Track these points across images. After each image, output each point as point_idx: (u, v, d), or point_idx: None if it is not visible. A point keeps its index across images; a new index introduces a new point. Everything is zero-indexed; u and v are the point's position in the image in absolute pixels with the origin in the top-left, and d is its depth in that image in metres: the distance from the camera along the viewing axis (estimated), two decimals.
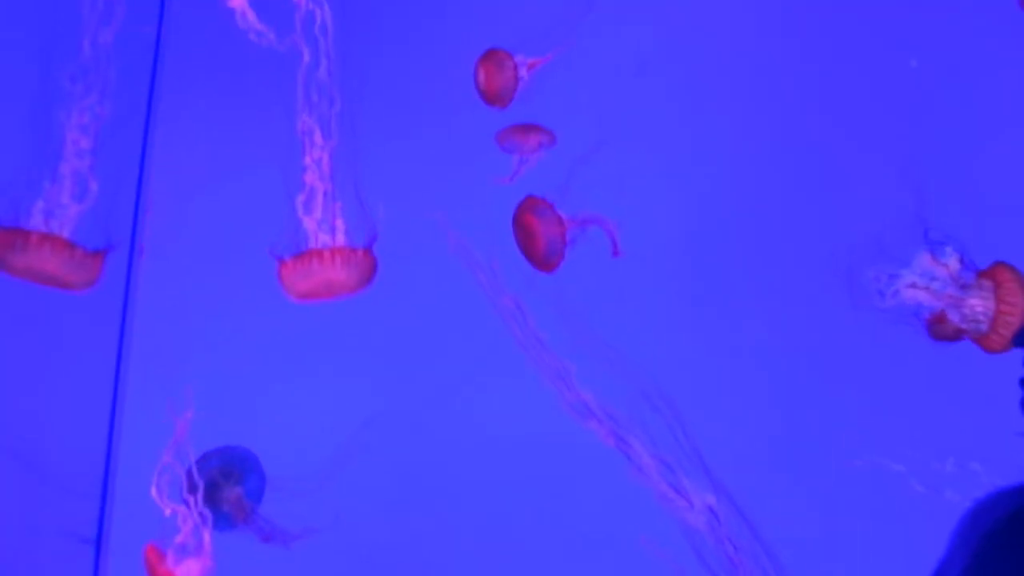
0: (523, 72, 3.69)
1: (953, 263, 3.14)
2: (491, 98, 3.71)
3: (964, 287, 3.12)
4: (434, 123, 3.79)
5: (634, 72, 3.73)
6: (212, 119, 3.81)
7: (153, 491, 3.22)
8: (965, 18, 3.63)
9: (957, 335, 3.15)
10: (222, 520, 3.25)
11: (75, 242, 3.25)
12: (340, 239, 3.44)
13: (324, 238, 3.44)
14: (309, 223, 3.46)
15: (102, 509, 3.44)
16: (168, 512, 3.21)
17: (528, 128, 3.74)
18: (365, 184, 3.55)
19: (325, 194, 3.48)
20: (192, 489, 3.20)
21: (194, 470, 3.21)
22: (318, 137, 3.56)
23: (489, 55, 3.71)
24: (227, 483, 3.27)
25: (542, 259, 3.50)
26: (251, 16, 3.71)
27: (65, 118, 3.45)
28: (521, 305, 3.53)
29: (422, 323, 3.64)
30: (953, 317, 3.12)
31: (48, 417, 3.41)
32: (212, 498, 3.23)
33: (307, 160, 3.53)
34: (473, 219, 3.64)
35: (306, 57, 3.65)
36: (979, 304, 3.10)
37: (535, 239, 3.49)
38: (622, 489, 3.36)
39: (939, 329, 3.17)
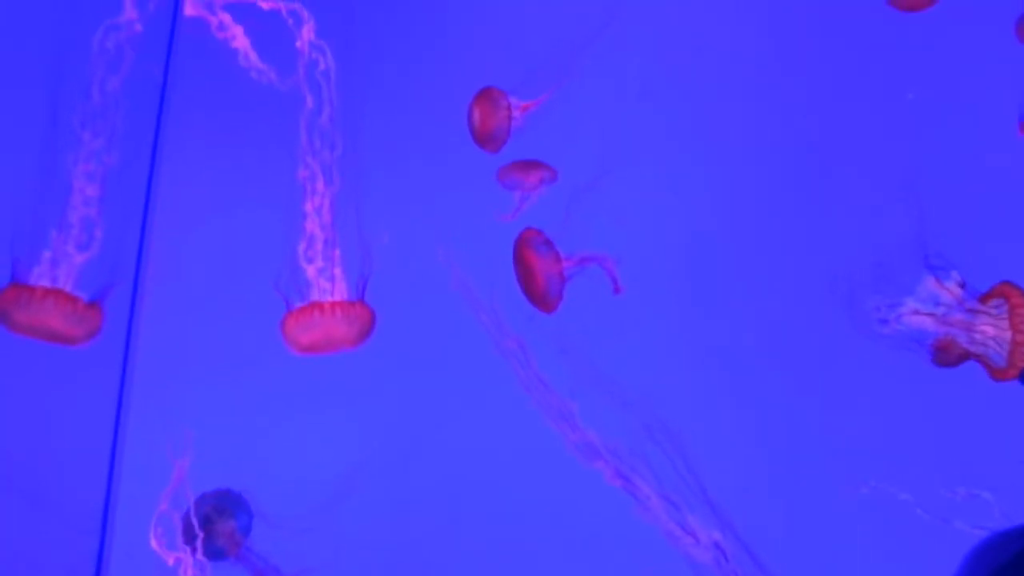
0: (516, 113, 3.70)
1: (957, 287, 3.11)
2: (485, 139, 3.70)
3: (972, 311, 3.08)
4: (436, 164, 3.80)
5: (631, 106, 3.73)
6: (217, 167, 3.82)
7: (152, 539, 3.24)
8: (958, 52, 3.63)
9: (961, 360, 3.11)
10: (214, 554, 3.29)
11: (77, 295, 3.27)
12: (340, 287, 3.44)
13: (324, 285, 3.44)
14: (310, 271, 3.47)
15: (100, 554, 3.45)
16: (171, 562, 3.23)
17: (529, 164, 3.73)
18: (367, 228, 3.57)
19: (326, 242, 3.49)
20: (191, 538, 3.23)
21: (192, 514, 3.24)
22: (320, 184, 3.58)
23: (483, 94, 3.71)
24: (220, 518, 3.30)
25: (541, 296, 3.48)
26: (254, 58, 3.74)
27: (72, 166, 3.49)
28: (524, 346, 3.52)
29: (425, 365, 3.62)
30: (963, 342, 3.08)
31: (48, 463, 3.41)
32: (206, 532, 3.27)
33: (308, 207, 3.54)
34: (476, 257, 3.64)
35: (309, 103, 3.68)
36: (990, 329, 3.06)
37: (534, 275, 3.49)
38: (628, 528, 3.33)
39: (944, 356, 3.14)
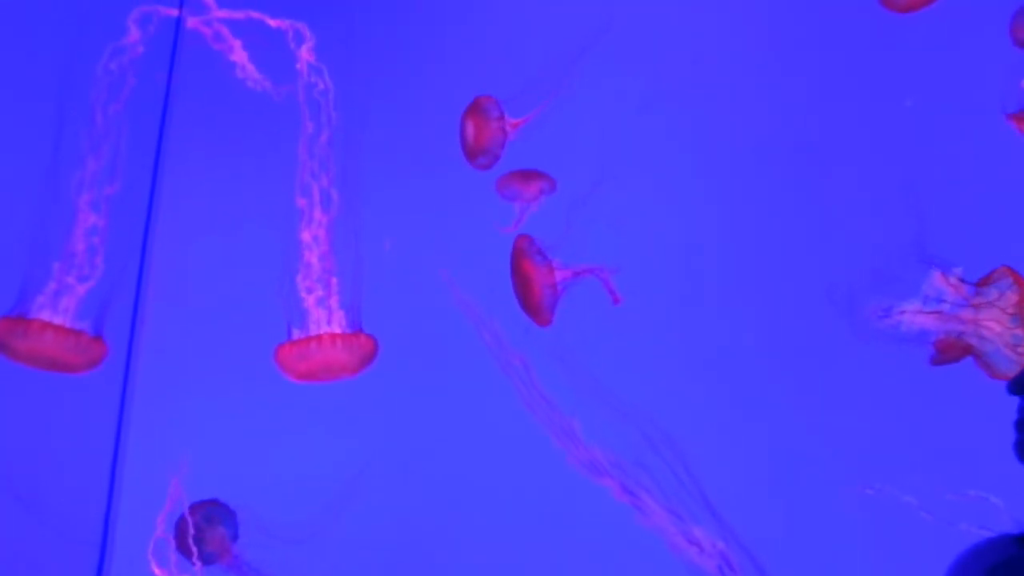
0: (509, 127, 3.68)
1: (959, 282, 3.08)
2: (478, 153, 3.69)
3: (976, 306, 3.05)
4: (435, 180, 3.77)
5: (627, 115, 3.71)
6: (216, 194, 3.81)
7: (152, 565, 3.26)
8: (953, 54, 3.60)
9: (962, 356, 3.09)
10: (206, 559, 3.34)
11: (79, 326, 3.29)
12: (338, 316, 3.43)
13: (322, 314, 3.43)
14: (309, 301, 3.46)
15: None
16: None
17: (528, 174, 3.71)
18: (366, 249, 3.57)
19: (325, 271, 3.48)
20: (185, 550, 3.28)
21: (183, 524, 3.30)
22: (318, 212, 3.57)
23: (474, 106, 3.69)
24: (209, 526, 3.34)
25: (536, 307, 3.47)
26: (252, 70, 3.75)
27: (75, 195, 3.51)
28: (526, 364, 3.51)
29: (427, 383, 3.60)
30: (968, 338, 3.05)
31: (48, 489, 3.42)
32: (196, 540, 3.32)
33: (307, 236, 3.54)
34: (478, 272, 3.63)
35: (309, 128, 3.68)
36: (996, 325, 3.03)
37: (531, 286, 3.47)
38: (632, 539, 3.31)
39: (944, 357, 3.12)
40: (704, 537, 3.23)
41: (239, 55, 3.79)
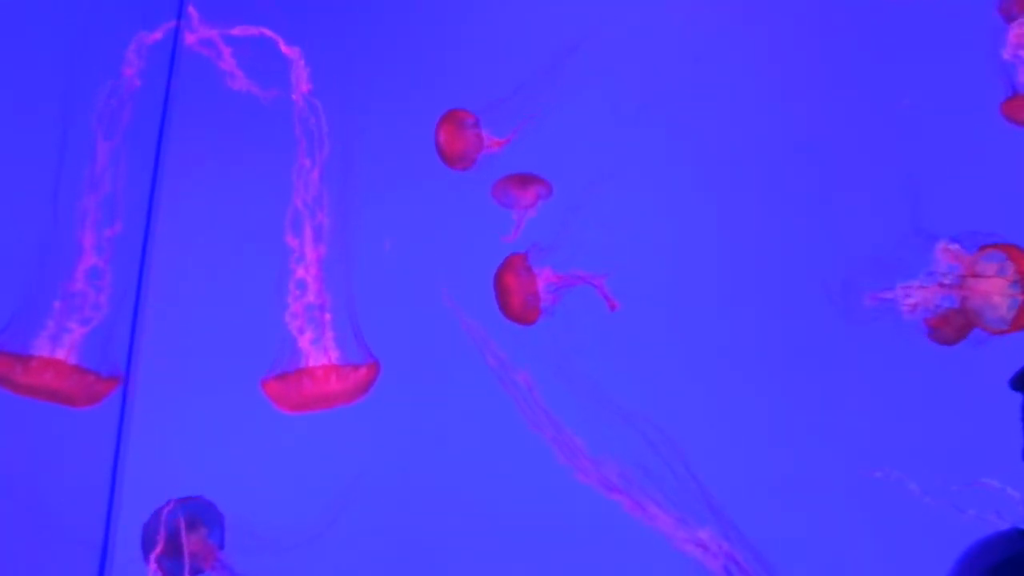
0: (489, 144, 3.66)
1: (958, 253, 3.05)
2: (453, 160, 3.67)
3: (977, 275, 3.01)
4: (431, 201, 3.74)
5: (623, 117, 3.69)
6: (211, 229, 3.80)
7: None
8: (941, 34, 3.57)
9: (960, 334, 3.05)
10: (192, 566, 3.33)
11: (82, 365, 3.32)
12: (332, 353, 3.41)
13: (317, 353, 3.41)
14: (303, 333, 3.44)
15: None
16: None
17: (525, 179, 3.66)
18: (365, 260, 3.58)
19: (320, 305, 3.48)
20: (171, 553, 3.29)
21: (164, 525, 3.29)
22: (311, 248, 3.57)
23: (448, 116, 3.65)
24: (192, 529, 3.33)
25: (519, 314, 3.46)
26: (244, 81, 3.75)
27: (77, 234, 3.53)
28: (528, 380, 3.49)
29: (429, 403, 3.59)
30: (968, 304, 3.02)
31: (45, 520, 3.45)
32: (179, 543, 3.31)
33: (301, 274, 3.53)
34: (478, 284, 3.61)
35: (306, 163, 3.68)
36: (997, 294, 2.99)
37: (511, 296, 3.44)
38: (635, 544, 3.29)
39: (942, 334, 3.08)
40: (709, 537, 3.19)
41: (233, 71, 3.79)
